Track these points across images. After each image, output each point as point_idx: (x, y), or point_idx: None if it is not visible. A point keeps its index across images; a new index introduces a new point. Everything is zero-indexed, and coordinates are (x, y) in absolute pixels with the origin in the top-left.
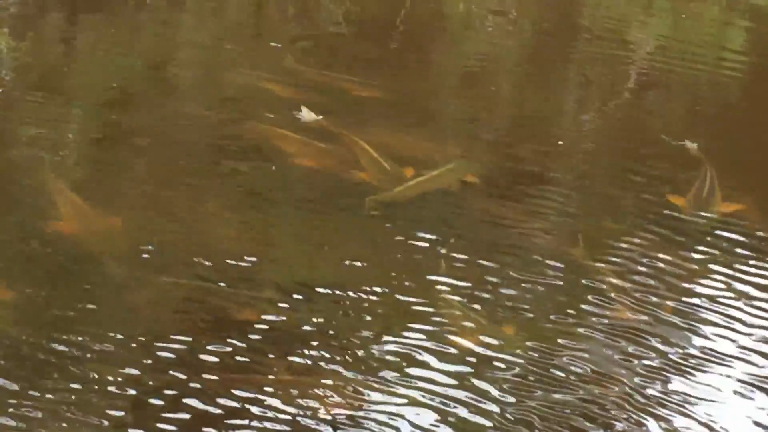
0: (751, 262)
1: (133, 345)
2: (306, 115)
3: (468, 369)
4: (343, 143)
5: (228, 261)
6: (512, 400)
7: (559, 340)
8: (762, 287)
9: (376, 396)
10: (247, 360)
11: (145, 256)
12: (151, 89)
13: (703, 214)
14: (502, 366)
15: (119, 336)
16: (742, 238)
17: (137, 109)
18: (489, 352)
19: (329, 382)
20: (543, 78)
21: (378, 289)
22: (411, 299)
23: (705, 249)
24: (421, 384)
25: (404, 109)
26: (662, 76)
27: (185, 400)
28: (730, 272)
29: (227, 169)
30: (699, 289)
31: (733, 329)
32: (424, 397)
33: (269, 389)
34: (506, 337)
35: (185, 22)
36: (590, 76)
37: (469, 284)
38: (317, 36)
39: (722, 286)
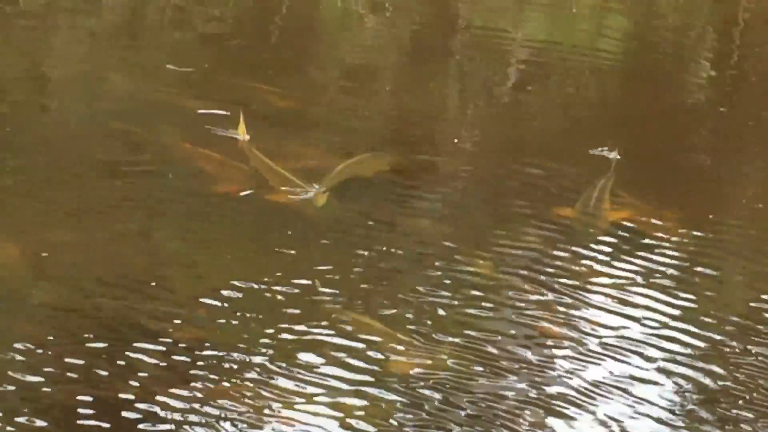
0: (645, 261)
1: (31, 360)
2: (240, 132)
3: (381, 371)
4: (247, 157)
5: (132, 275)
6: (439, 396)
7: (472, 340)
8: (655, 285)
9: (295, 400)
10: (155, 372)
11: (42, 272)
12: (36, 101)
13: (593, 217)
14: (422, 369)
15: (17, 355)
16: (632, 239)
17: (23, 122)
18: (403, 354)
19: (244, 388)
20: (433, 76)
21: (283, 298)
22: (324, 305)
23: (597, 249)
24: (342, 384)
25: (302, 117)
26: (546, 67)
27: (90, 415)
28: (624, 271)
29: (124, 183)
30: (593, 288)
31: (631, 324)
32: (346, 397)
33: (180, 401)
34: (420, 342)
35: (62, 27)
36: (476, 70)
37: (372, 290)
38: (200, 39)
39: (620, 282)
